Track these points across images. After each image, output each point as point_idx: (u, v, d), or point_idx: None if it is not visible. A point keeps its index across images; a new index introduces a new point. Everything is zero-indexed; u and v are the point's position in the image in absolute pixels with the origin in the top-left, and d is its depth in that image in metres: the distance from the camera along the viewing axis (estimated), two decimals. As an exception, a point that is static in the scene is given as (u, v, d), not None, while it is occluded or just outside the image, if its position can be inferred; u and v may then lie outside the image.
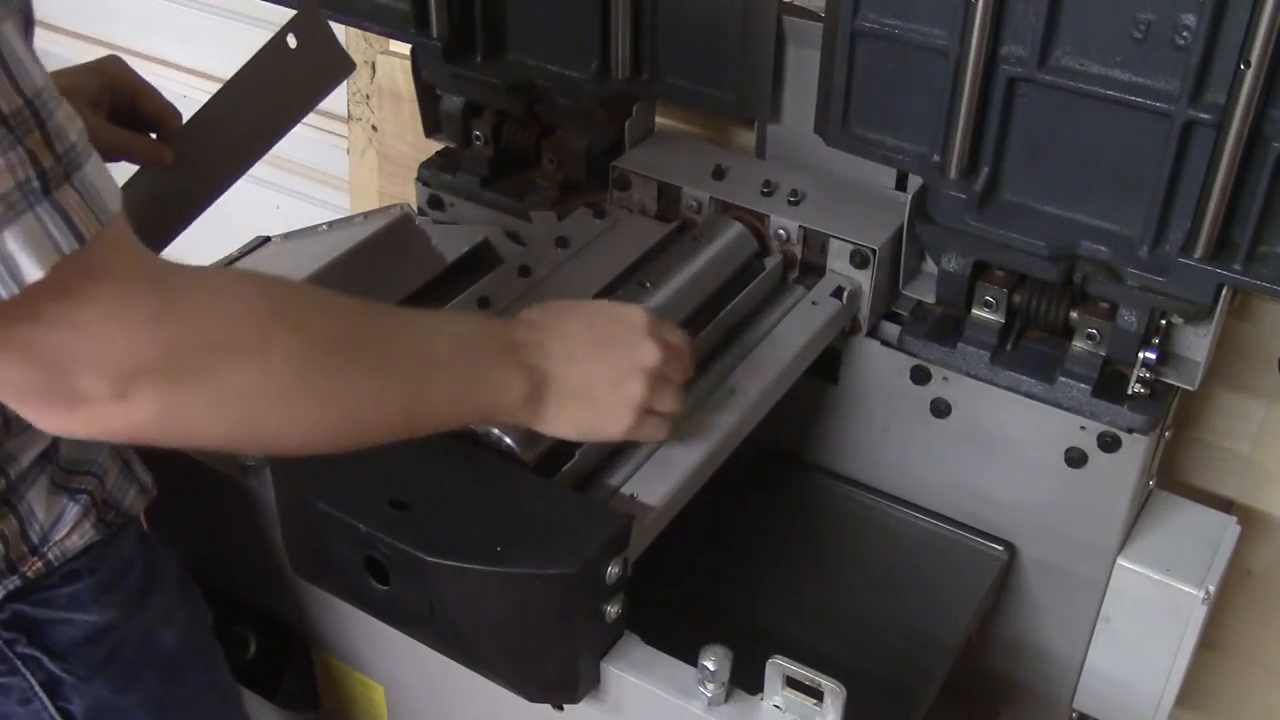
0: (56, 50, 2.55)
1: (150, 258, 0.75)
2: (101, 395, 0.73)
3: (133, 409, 0.74)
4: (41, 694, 0.95)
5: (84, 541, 0.96)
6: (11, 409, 0.76)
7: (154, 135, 1.17)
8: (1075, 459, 1.26)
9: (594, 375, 0.96)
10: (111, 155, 1.14)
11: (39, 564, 0.94)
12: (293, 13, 1.13)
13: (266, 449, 0.84)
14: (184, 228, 1.19)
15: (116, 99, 1.15)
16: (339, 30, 1.57)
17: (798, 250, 1.31)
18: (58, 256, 0.67)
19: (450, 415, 0.91)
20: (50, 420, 0.76)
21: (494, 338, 0.94)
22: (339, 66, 1.16)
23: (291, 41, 1.11)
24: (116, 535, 0.99)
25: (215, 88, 1.17)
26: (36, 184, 0.67)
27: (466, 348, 0.92)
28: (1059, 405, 1.24)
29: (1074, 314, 1.23)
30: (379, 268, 1.38)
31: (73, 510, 0.95)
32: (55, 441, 0.94)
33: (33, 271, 0.66)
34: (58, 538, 0.94)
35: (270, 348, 0.78)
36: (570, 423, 0.96)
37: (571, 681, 0.97)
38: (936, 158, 1.20)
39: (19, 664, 0.94)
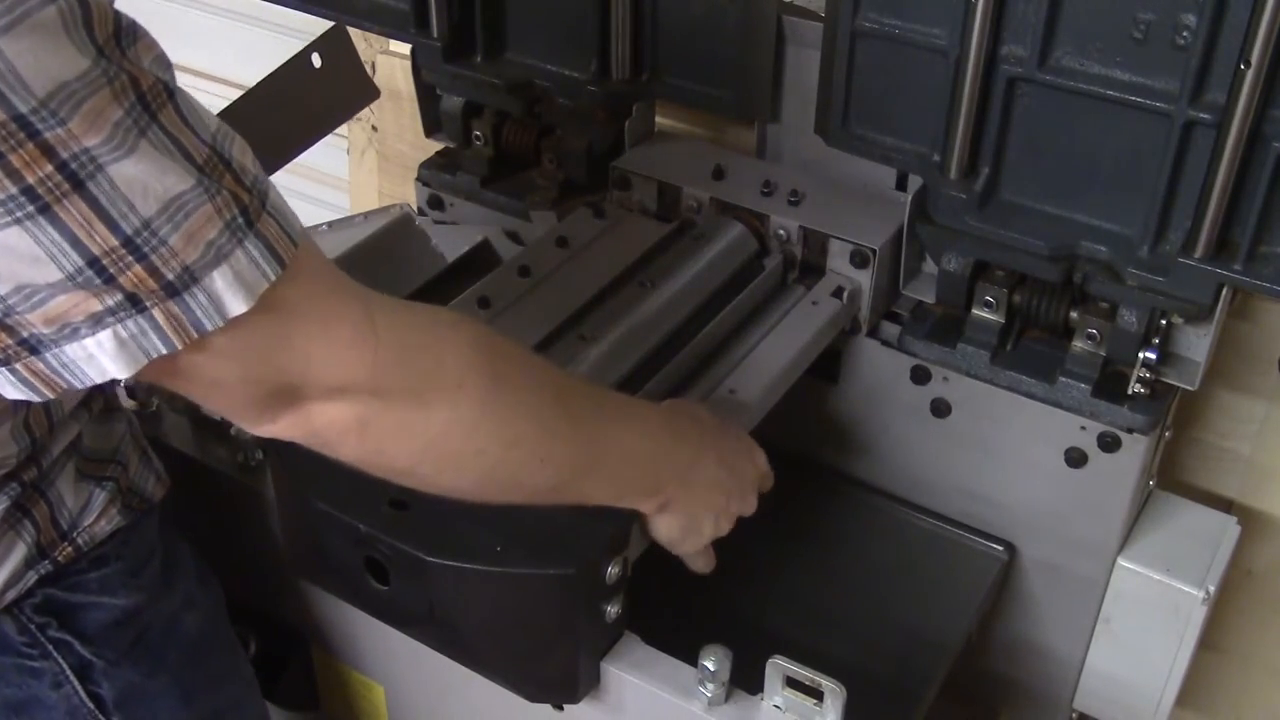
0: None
1: (344, 275, 0.79)
2: (307, 403, 0.77)
3: (335, 417, 0.78)
4: (73, 678, 0.96)
5: (111, 527, 0.98)
6: (208, 413, 0.79)
7: None
8: (1075, 459, 1.26)
9: (708, 509, 1.02)
10: None
11: (69, 549, 0.96)
12: (318, 32, 1.12)
13: (440, 488, 0.87)
14: None
15: None
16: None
17: (798, 250, 1.31)
18: (265, 284, 0.71)
19: (592, 498, 0.94)
20: (256, 426, 0.79)
21: (671, 454, 0.98)
22: (362, 92, 1.15)
23: (316, 61, 1.10)
24: (140, 521, 1.02)
25: (216, 89, 1.16)
26: (241, 220, 0.70)
27: (645, 453, 0.96)
28: (1059, 405, 1.24)
29: (1074, 314, 1.22)
30: (379, 268, 1.38)
31: (100, 496, 0.97)
32: (80, 431, 0.97)
33: (238, 306, 0.70)
34: (86, 523, 0.96)
35: (463, 391, 0.82)
36: (666, 534, 1.01)
37: (571, 681, 0.97)
38: (936, 158, 1.20)
39: (51, 648, 0.95)
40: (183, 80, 1.18)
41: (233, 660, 1.13)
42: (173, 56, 1.22)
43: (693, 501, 1.00)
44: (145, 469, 1.04)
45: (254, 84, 1.13)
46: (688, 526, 1.00)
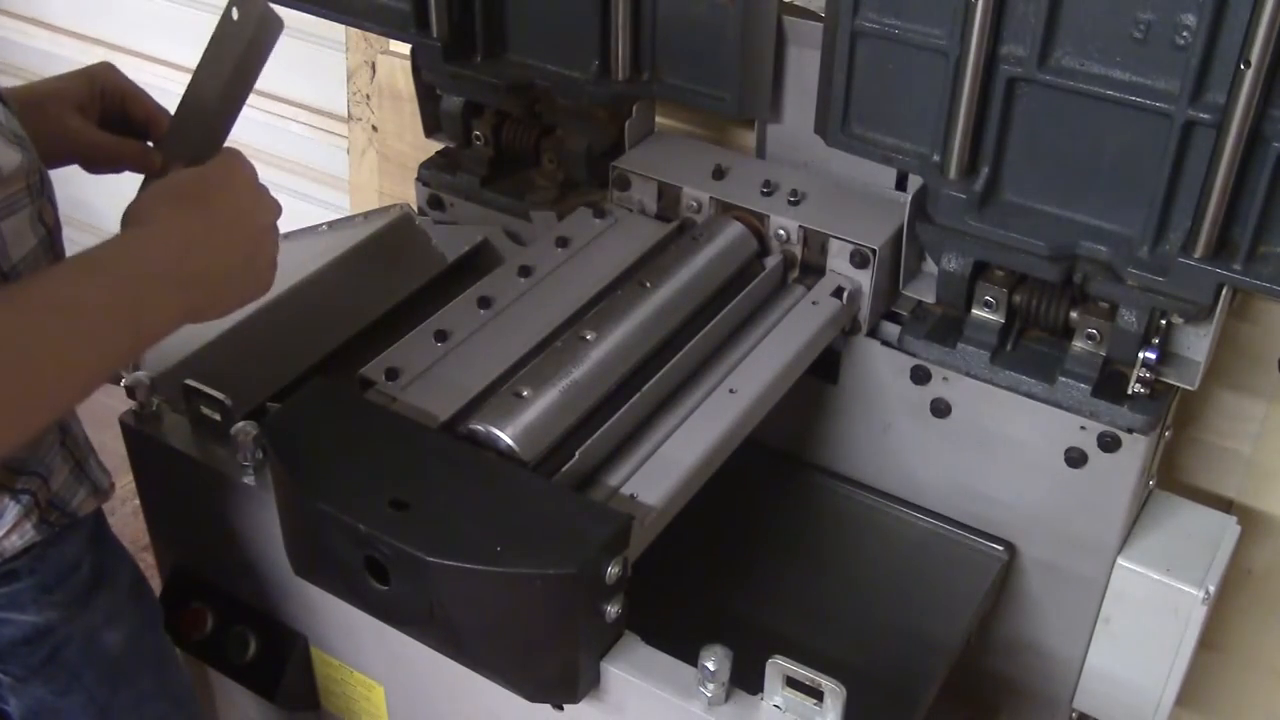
0: (59, 50, 2.55)
1: None
2: None
3: None
4: None
5: (23, 542, 0.94)
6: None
7: (148, 142, 1.17)
8: (1075, 459, 1.26)
9: (235, 263, 0.93)
10: (101, 161, 1.14)
11: None
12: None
13: None
14: None
15: (107, 104, 1.15)
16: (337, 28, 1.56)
17: (798, 250, 1.31)
18: None
19: (115, 361, 0.86)
20: None
21: (132, 274, 0.87)
22: (272, 27, 1.15)
23: (235, 14, 1.11)
24: (61, 535, 0.98)
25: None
26: None
27: (106, 299, 0.85)
28: (1059, 405, 1.24)
29: (1074, 314, 1.23)
30: (379, 268, 1.38)
31: (13, 510, 0.93)
32: None
33: None
34: None
35: None
36: (236, 306, 0.94)
37: (571, 681, 0.97)
38: (936, 158, 1.20)
39: None
40: (181, 78, 1.17)
41: (161, 678, 1.10)
42: (173, 54, 1.21)
43: (216, 272, 0.92)
44: (75, 482, 0.99)
45: (197, 63, 1.14)
46: (245, 286, 0.94)
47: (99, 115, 1.14)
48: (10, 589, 0.95)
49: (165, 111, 1.18)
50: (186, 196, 0.94)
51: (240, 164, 0.98)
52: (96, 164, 1.14)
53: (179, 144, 1.12)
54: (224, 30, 1.13)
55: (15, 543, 0.94)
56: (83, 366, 0.84)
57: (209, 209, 0.93)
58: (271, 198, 0.98)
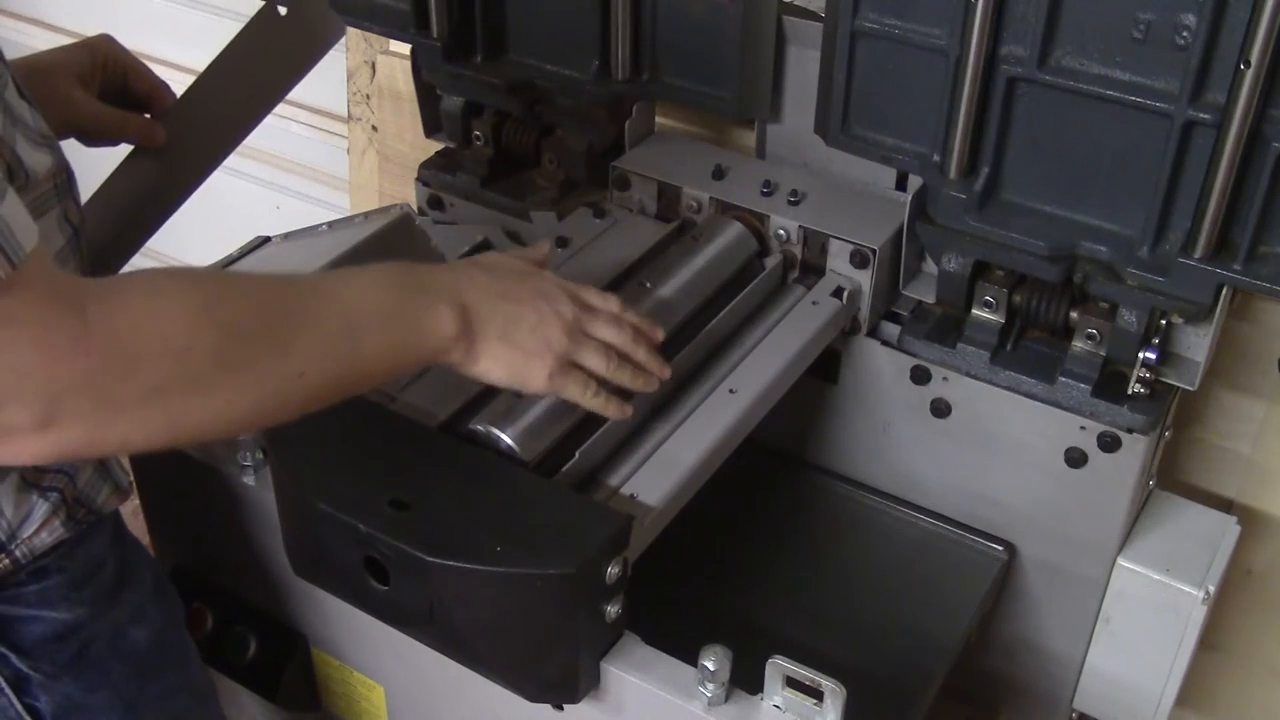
0: (57, 50, 2.55)
1: (65, 282, 0.76)
2: (27, 425, 0.74)
3: (59, 433, 0.75)
4: (8, 690, 0.94)
5: (53, 539, 0.95)
6: None
7: (147, 115, 1.17)
8: (1075, 459, 1.26)
9: (517, 315, 0.98)
10: (104, 135, 1.13)
11: (6, 561, 0.92)
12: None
13: (197, 441, 0.86)
14: (180, 203, 1.18)
15: (108, 77, 1.14)
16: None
17: (798, 250, 1.31)
18: None
19: (389, 365, 0.92)
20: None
21: (418, 280, 0.95)
22: (330, 30, 1.15)
23: (282, 10, 1.10)
24: (87, 533, 0.98)
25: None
26: None
27: (392, 296, 0.92)
28: (1059, 405, 1.24)
29: (1074, 314, 1.23)
30: (379, 268, 1.38)
31: (42, 508, 0.94)
32: None
33: None
34: (26, 535, 0.93)
35: (191, 351, 0.79)
36: (499, 363, 0.97)
37: (571, 681, 0.97)
38: (936, 158, 1.20)
39: None
40: (183, 79, 1.16)
41: (183, 675, 1.10)
42: (178, 56, 1.21)
43: (496, 315, 0.96)
44: (98, 480, 0.99)
45: (223, 47, 1.13)
46: (515, 349, 0.97)
47: (99, 88, 1.13)
48: (41, 586, 0.95)
49: (167, 85, 1.17)
50: (485, 261, 1.02)
51: (552, 279, 1.03)
52: (97, 136, 1.14)
53: (189, 125, 1.11)
54: (265, 24, 1.11)
55: (45, 540, 0.94)
56: (364, 360, 0.90)
57: (500, 271, 1.00)
58: (576, 304, 1.01)
